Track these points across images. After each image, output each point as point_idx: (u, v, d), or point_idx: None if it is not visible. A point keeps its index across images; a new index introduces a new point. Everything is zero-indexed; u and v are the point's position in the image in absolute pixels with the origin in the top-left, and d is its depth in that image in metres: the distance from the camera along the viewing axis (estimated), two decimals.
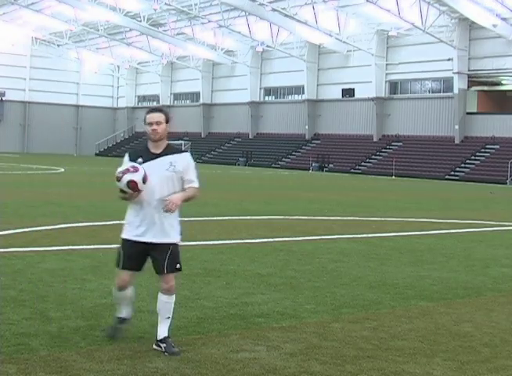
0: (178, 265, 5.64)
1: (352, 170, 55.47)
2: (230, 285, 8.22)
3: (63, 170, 39.30)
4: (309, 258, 10.68)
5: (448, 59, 52.90)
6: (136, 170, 5.44)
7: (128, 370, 5.02)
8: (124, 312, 5.91)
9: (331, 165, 57.38)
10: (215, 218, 15.87)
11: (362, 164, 56.63)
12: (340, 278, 9.04)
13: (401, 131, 58.13)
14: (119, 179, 5.45)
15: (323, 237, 13.24)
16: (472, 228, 16.37)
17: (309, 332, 6.29)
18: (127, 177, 5.42)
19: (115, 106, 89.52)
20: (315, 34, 57.12)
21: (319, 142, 63.36)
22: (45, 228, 12.88)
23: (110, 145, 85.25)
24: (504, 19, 49.04)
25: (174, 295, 5.67)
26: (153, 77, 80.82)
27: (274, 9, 54.08)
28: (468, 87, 53.12)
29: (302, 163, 59.37)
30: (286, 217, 17.07)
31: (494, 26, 48.57)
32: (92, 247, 10.83)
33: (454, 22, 51.97)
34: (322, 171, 56.72)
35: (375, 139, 59.43)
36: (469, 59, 52.71)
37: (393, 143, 58.01)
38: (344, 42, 57.98)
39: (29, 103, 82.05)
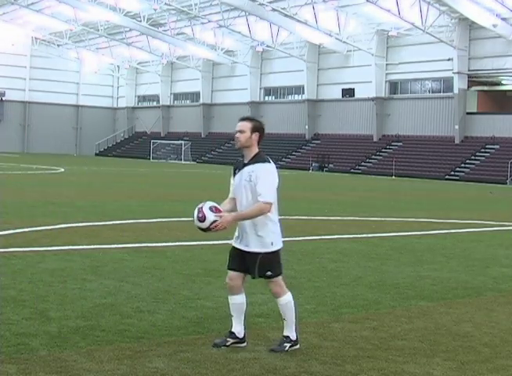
0: (268, 273, 5.74)
1: (352, 170, 55.46)
2: None
3: (62, 170, 39.27)
4: (309, 258, 10.69)
5: (448, 59, 52.88)
6: (203, 220, 5.58)
7: (128, 370, 5.02)
8: (234, 325, 5.84)
9: (331, 165, 57.36)
10: None
11: (362, 164, 56.61)
12: (340, 278, 9.04)
13: (401, 131, 58.10)
14: (194, 216, 5.66)
15: (323, 237, 13.25)
16: (472, 228, 16.36)
17: (309, 332, 6.29)
18: (196, 222, 5.62)
19: (115, 106, 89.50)
20: (315, 34, 57.09)
21: (319, 142, 63.35)
22: (45, 228, 12.87)
23: (110, 145, 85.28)
24: (504, 19, 48.99)
25: (280, 298, 5.77)
26: (153, 77, 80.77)
27: (274, 9, 54.06)
28: (468, 87, 53.09)
29: (302, 163, 59.36)
30: (286, 217, 17.04)
31: (494, 26, 48.53)
32: (92, 247, 10.82)
33: (454, 22, 51.93)
34: (322, 171, 56.70)
35: (375, 139, 59.41)
36: (469, 59, 52.67)
37: (393, 143, 57.99)
38: (344, 42, 57.95)
39: (29, 102, 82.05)
